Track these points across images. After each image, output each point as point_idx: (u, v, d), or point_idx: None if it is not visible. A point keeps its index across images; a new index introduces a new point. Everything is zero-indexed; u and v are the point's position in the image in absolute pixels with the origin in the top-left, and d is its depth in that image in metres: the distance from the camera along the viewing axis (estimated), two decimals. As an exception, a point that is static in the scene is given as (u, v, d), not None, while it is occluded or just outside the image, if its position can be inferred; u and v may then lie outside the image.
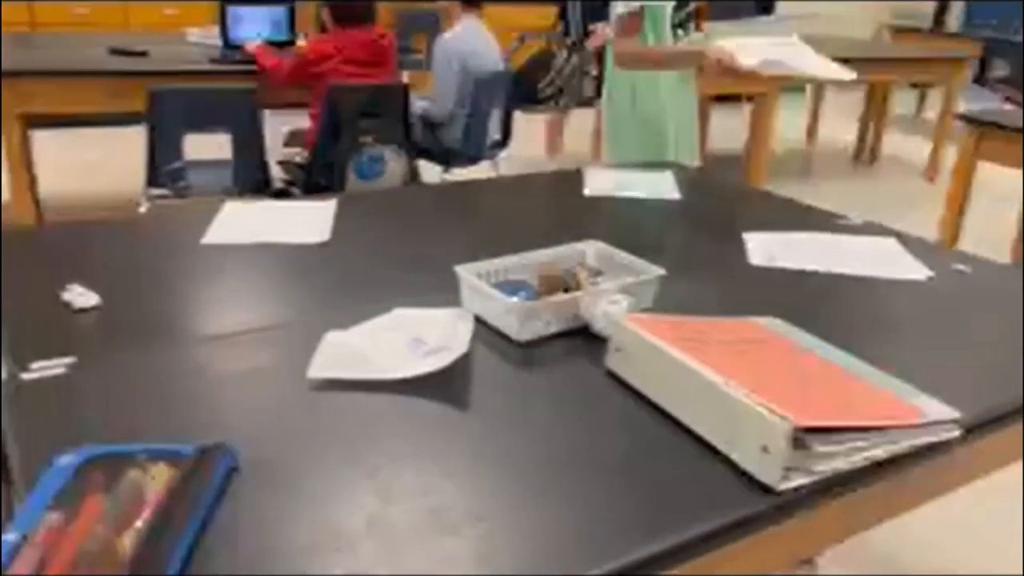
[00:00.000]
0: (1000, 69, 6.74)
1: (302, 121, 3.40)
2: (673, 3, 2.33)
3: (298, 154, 3.25)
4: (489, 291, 1.22)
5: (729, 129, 5.94)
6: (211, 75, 3.39)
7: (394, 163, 3.10)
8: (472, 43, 3.64)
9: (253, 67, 3.36)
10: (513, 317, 1.18)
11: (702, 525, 0.86)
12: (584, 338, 1.21)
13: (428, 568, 0.78)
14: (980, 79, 6.79)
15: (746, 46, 2.08)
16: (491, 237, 1.49)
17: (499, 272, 1.31)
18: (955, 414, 1.00)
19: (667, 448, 0.98)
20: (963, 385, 1.13)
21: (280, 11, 3.73)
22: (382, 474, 0.91)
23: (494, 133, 3.79)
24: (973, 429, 1.03)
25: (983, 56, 6.75)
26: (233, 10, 3.62)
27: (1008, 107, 5.97)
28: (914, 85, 7.96)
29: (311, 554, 0.79)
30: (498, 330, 1.21)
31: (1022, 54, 6.45)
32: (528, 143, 5.39)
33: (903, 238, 1.69)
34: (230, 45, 3.61)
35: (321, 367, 1.06)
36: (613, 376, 1.11)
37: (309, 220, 1.63)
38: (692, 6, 2.37)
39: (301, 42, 3.66)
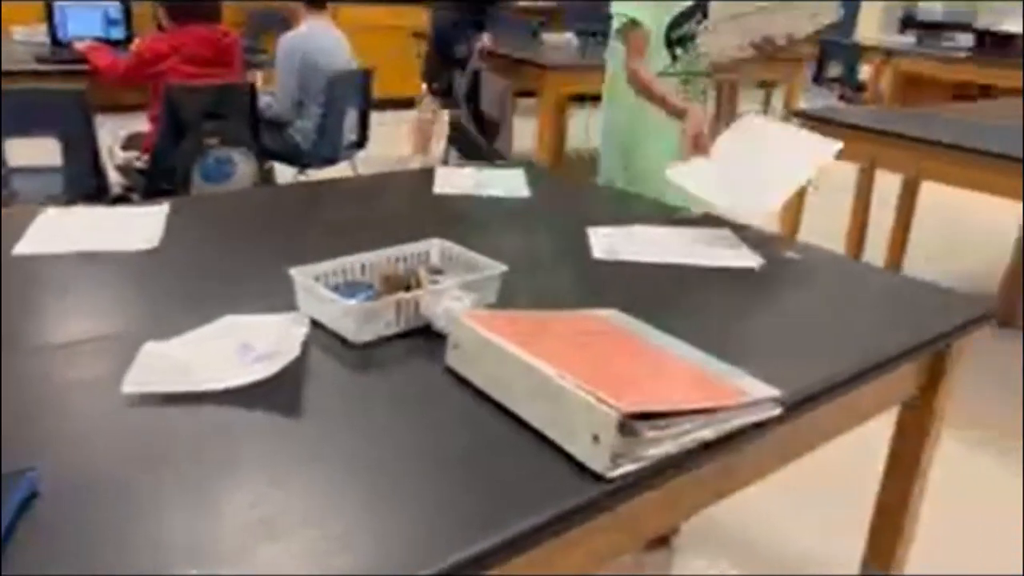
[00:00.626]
0: (835, 69, 7.22)
1: (142, 124, 3.22)
2: (672, 16, 2.17)
3: (137, 158, 3.07)
4: (324, 293, 1.19)
5: (589, 128, 6.06)
6: (38, 75, 3.17)
7: (243, 165, 2.99)
8: (317, 41, 3.56)
9: (85, 67, 3.16)
10: (350, 319, 1.15)
11: (538, 516, 0.86)
12: (426, 337, 1.19)
13: (256, 583, 0.75)
14: (818, 78, 7.24)
15: (721, 148, 1.90)
16: (336, 238, 1.45)
17: (338, 273, 1.28)
18: (776, 392, 1.05)
19: (505, 442, 0.98)
20: (786, 366, 1.18)
21: (114, 7, 3.52)
22: (207, 489, 0.86)
23: (350, 134, 3.72)
24: (794, 407, 1.08)
25: (820, 57, 7.20)
26: (61, 6, 3.39)
27: (841, 104, 6.40)
28: (761, 84, 8.39)
29: (122, 580, 0.74)
30: (337, 333, 1.18)
31: (853, 55, 6.93)
32: (391, 144, 5.34)
33: (739, 229, 1.77)
34: (59, 43, 3.38)
35: (138, 381, 0.99)
36: (453, 374, 1.10)
37: (137, 226, 1.54)
38: (699, 25, 2.17)
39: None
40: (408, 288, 1.23)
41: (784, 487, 1.86)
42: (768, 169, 1.76)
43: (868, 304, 1.46)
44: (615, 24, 2.16)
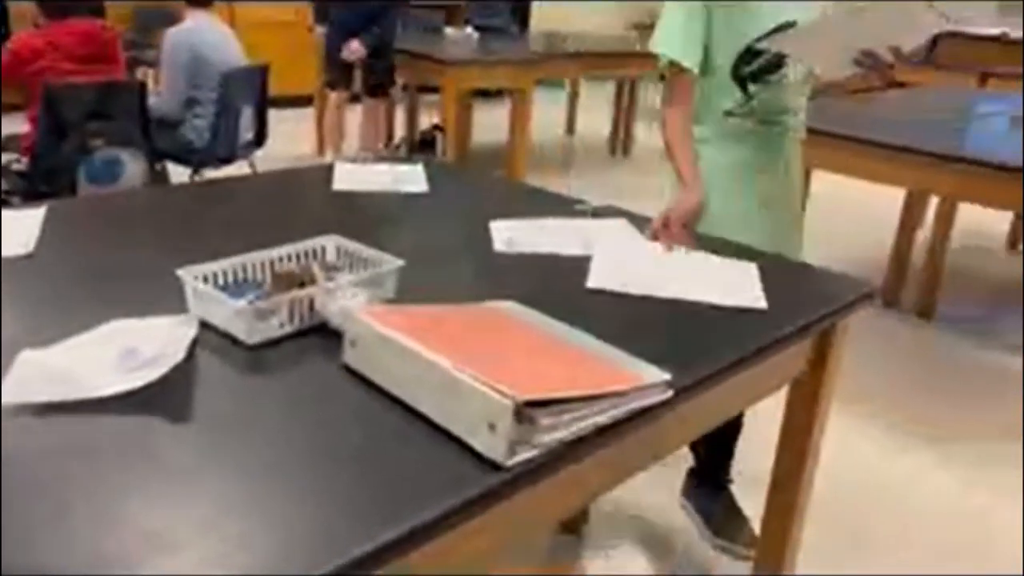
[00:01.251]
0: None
1: (21, 125, 3.06)
2: (742, 48, 1.78)
3: (17, 160, 2.92)
4: (214, 294, 1.15)
5: (491, 123, 6.10)
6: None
7: (132, 165, 2.87)
8: (204, 36, 3.46)
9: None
10: (241, 320, 1.13)
11: (437, 507, 0.86)
12: (322, 336, 1.18)
13: (137, 595, 0.72)
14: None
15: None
16: (230, 237, 1.41)
17: (228, 273, 1.24)
18: (667, 376, 1.08)
19: (403, 437, 0.97)
20: (679, 350, 1.22)
21: (-13, 3, 3.33)
22: (92, 503, 0.82)
23: (247, 132, 3.62)
24: (685, 390, 1.11)
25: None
26: (-72, 1, 3.18)
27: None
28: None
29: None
30: (229, 335, 1.15)
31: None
32: (291, 142, 5.23)
33: (636, 219, 1.80)
34: (-73, 40, 3.17)
35: (14, 391, 0.94)
36: (350, 372, 1.09)
37: (10, 230, 1.46)
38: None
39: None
40: (302, 286, 1.21)
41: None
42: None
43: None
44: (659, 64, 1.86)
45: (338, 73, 4.75)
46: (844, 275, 1.58)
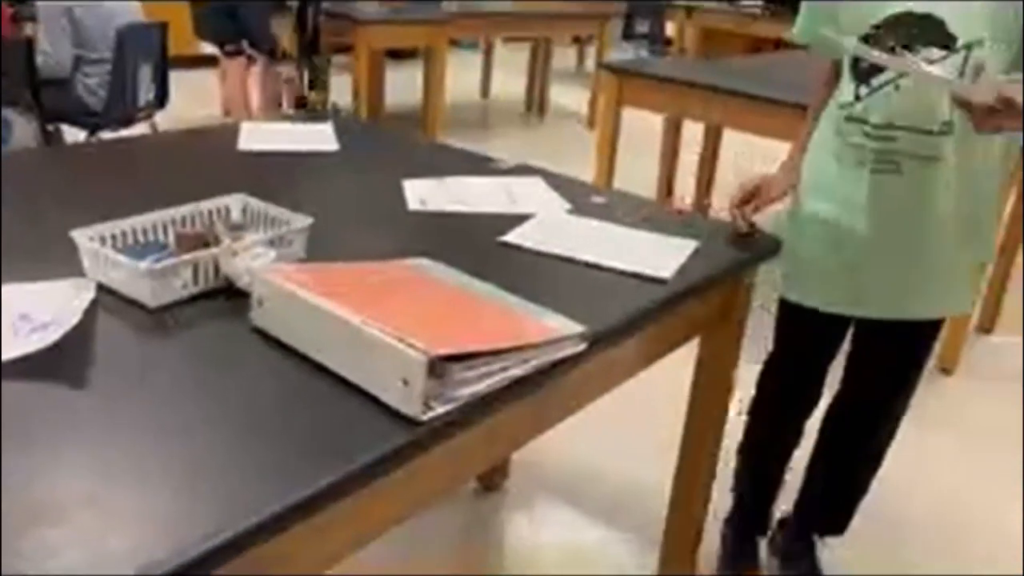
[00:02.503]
0: (642, 25, 7.52)
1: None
2: (866, 29, 1.48)
3: None
4: (112, 256, 1.11)
5: (405, 84, 6.00)
6: None
7: (21, 127, 2.72)
8: None
9: None
10: (143, 282, 1.08)
11: (351, 464, 0.85)
12: (229, 297, 1.14)
13: (31, 567, 0.69)
14: (627, 34, 7.52)
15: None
16: (129, 198, 1.34)
17: (128, 234, 1.19)
18: (581, 328, 1.09)
19: (316, 396, 0.96)
20: (592, 302, 1.23)
21: None
22: (-24, 472, 0.78)
23: (147, 92, 3.46)
24: (599, 341, 1.12)
25: (628, 14, 7.47)
26: None
27: (649, 57, 6.67)
28: (575, 40, 8.60)
29: None
30: (130, 298, 1.11)
31: (658, 12, 7.24)
32: (196, 103, 5.04)
33: (552, 177, 1.81)
34: None
35: None
36: (259, 332, 1.06)
37: None
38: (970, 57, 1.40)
39: None
40: (207, 246, 1.17)
41: (604, 420, 1.96)
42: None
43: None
44: None
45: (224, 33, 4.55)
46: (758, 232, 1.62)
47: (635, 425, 2.23)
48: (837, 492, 1.90)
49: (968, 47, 1.41)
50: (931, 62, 1.41)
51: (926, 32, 1.43)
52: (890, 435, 1.82)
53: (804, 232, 1.67)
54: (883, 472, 1.85)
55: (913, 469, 2.18)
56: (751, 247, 1.53)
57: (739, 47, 6.79)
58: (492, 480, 2.10)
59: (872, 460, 1.85)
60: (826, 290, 1.67)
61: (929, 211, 1.55)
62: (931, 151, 1.49)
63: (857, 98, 1.53)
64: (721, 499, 1.84)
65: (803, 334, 1.80)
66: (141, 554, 0.70)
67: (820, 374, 1.83)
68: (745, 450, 1.93)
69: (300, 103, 4.56)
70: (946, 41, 1.43)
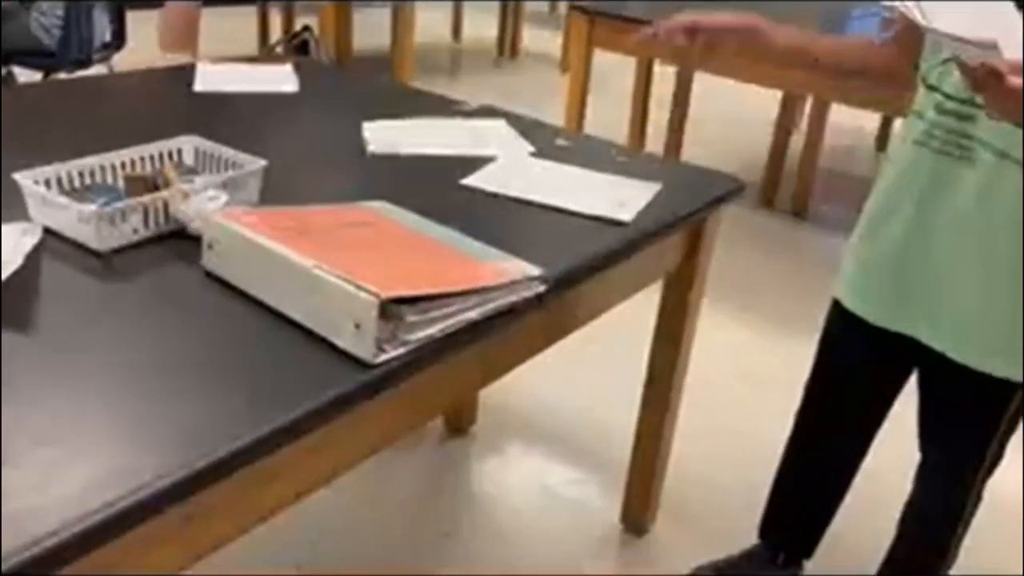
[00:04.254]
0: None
1: None
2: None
3: None
4: (56, 199, 1.08)
5: (375, 28, 5.86)
6: None
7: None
8: None
9: None
10: (90, 226, 1.06)
11: (301, 407, 0.85)
12: (180, 241, 1.12)
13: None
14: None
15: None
16: (77, 140, 1.30)
17: (75, 177, 1.16)
18: (539, 271, 1.08)
19: (266, 339, 0.95)
20: (552, 246, 1.22)
21: None
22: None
23: (104, 33, 3.35)
24: (558, 284, 1.12)
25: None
26: None
27: None
28: None
29: None
30: (78, 242, 1.08)
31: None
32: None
33: (517, 120, 1.78)
34: None
35: None
36: (212, 277, 1.05)
37: None
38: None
39: None
40: (157, 189, 1.14)
41: (573, 361, 1.97)
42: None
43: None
44: None
45: None
46: (714, 172, 1.62)
47: (606, 365, 2.24)
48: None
49: None
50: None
51: None
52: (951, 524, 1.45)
53: (866, 212, 1.42)
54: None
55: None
56: (714, 188, 1.53)
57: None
58: (459, 423, 2.11)
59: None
60: (859, 286, 1.41)
61: (1000, 226, 1.22)
62: (1015, 148, 1.16)
63: (939, 110, 1.23)
64: (688, 436, 1.86)
65: (838, 344, 1.51)
66: (90, 496, 0.70)
67: (859, 406, 1.53)
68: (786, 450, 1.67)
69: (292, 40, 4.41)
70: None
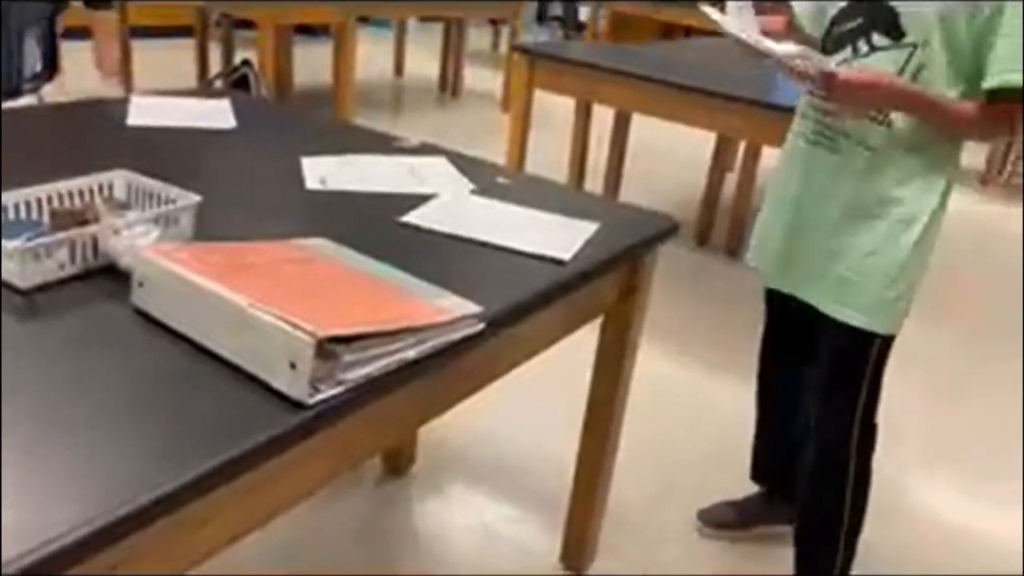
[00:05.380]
0: (556, 9, 7.53)
1: None
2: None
3: None
4: (-23, 233, 1.04)
5: (316, 62, 5.86)
6: None
7: None
8: None
9: None
10: (12, 261, 1.02)
11: (233, 450, 0.83)
12: (110, 278, 1.09)
13: None
14: (541, 17, 7.52)
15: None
16: (5, 174, 1.27)
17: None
18: (477, 309, 1.08)
19: (199, 379, 0.92)
20: (491, 284, 1.23)
21: None
22: None
23: (35, 64, 3.27)
24: (496, 323, 1.12)
25: (542, -3, 7.47)
26: None
27: (563, 40, 6.70)
28: (491, 21, 8.56)
29: None
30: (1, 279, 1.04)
31: (572, -4, 7.27)
32: (91, 76, 4.79)
33: (458, 157, 1.79)
34: None
35: None
36: (141, 314, 1.02)
37: None
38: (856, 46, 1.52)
39: None
40: (86, 224, 1.11)
41: (515, 399, 1.97)
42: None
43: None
44: None
45: None
46: (649, 212, 1.65)
47: (546, 402, 2.24)
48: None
49: (913, 46, 1.44)
50: (875, 48, 1.48)
51: (880, 18, 1.47)
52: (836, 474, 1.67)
53: (765, 197, 1.77)
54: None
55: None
56: (650, 228, 1.55)
57: (651, 33, 6.89)
58: (399, 463, 2.08)
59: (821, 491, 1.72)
60: (762, 256, 1.73)
61: (856, 202, 1.54)
62: (866, 137, 1.50)
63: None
64: (627, 475, 1.86)
65: (769, 307, 1.86)
66: (7, 547, 0.67)
67: (789, 353, 1.83)
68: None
69: (231, 74, 4.34)
70: (895, 33, 1.46)
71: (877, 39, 1.48)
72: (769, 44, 1.46)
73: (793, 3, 1.70)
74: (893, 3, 1.46)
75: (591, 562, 1.85)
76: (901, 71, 1.45)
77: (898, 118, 1.48)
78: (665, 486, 2.17)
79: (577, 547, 1.83)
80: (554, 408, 2.13)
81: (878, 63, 1.47)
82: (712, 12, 1.57)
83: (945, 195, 1.53)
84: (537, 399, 2.23)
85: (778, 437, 1.93)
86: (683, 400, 2.58)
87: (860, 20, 1.51)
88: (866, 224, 1.54)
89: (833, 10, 1.56)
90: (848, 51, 1.52)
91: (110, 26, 4.43)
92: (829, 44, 1.56)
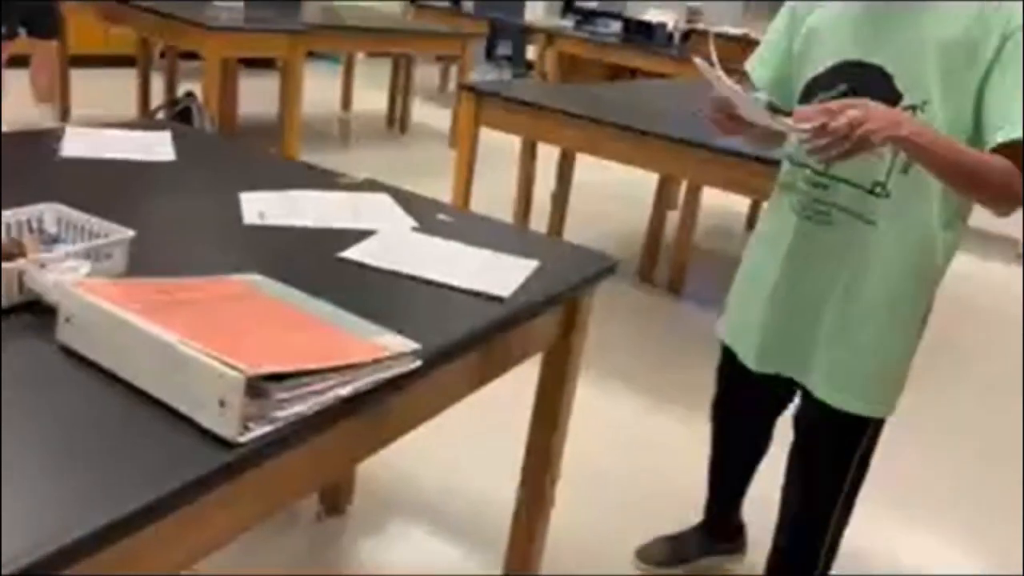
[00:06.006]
0: (504, 48, 7.64)
1: None
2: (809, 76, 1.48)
3: None
4: None
5: (262, 95, 5.83)
6: None
7: None
8: None
9: None
10: (-68, 296, 0.99)
11: (157, 490, 0.81)
12: (35, 313, 1.06)
13: None
14: (489, 55, 7.62)
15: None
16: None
17: (-82, 245, 1.09)
18: (415, 346, 1.08)
19: (127, 418, 0.91)
20: (429, 321, 1.23)
21: None
22: None
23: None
24: (434, 360, 1.12)
25: (491, 35, 7.57)
26: None
27: (510, 80, 6.79)
28: (439, 59, 8.63)
29: None
30: (-83, 314, 1.01)
31: (520, 35, 7.38)
32: (27, 105, 4.71)
33: (400, 194, 1.79)
34: None
35: None
36: (66, 351, 1.00)
37: None
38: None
39: None
40: (11, 259, 1.08)
41: (453, 436, 1.96)
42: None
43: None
44: None
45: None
46: (592, 250, 1.67)
47: (486, 440, 2.23)
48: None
49: (912, 108, 1.33)
50: None
51: (871, 83, 1.34)
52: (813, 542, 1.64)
53: (740, 271, 1.69)
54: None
55: None
56: (589, 266, 1.57)
57: (598, 74, 7.03)
58: (336, 502, 2.05)
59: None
60: (742, 337, 1.65)
61: (853, 277, 1.45)
62: (864, 210, 1.41)
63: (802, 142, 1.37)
64: (566, 511, 1.86)
65: (729, 378, 1.78)
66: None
67: (747, 427, 1.84)
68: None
69: (174, 106, 4.29)
70: (891, 96, 1.33)
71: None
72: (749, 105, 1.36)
73: (751, 72, 1.61)
74: (880, 63, 1.34)
75: (531, 601, 1.84)
76: None
77: (897, 187, 1.37)
78: (604, 523, 2.17)
79: (516, 585, 1.81)
80: (492, 445, 2.13)
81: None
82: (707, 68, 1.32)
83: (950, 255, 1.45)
84: (475, 436, 2.23)
85: (735, 467, 1.94)
86: (623, 437, 2.60)
87: (843, 87, 1.37)
88: (869, 308, 1.45)
89: (806, 78, 1.45)
90: None
91: (48, 51, 4.38)
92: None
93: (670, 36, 6.40)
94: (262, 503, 0.99)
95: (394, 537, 2.05)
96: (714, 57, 1.28)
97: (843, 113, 1.21)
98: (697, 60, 1.31)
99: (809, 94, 1.45)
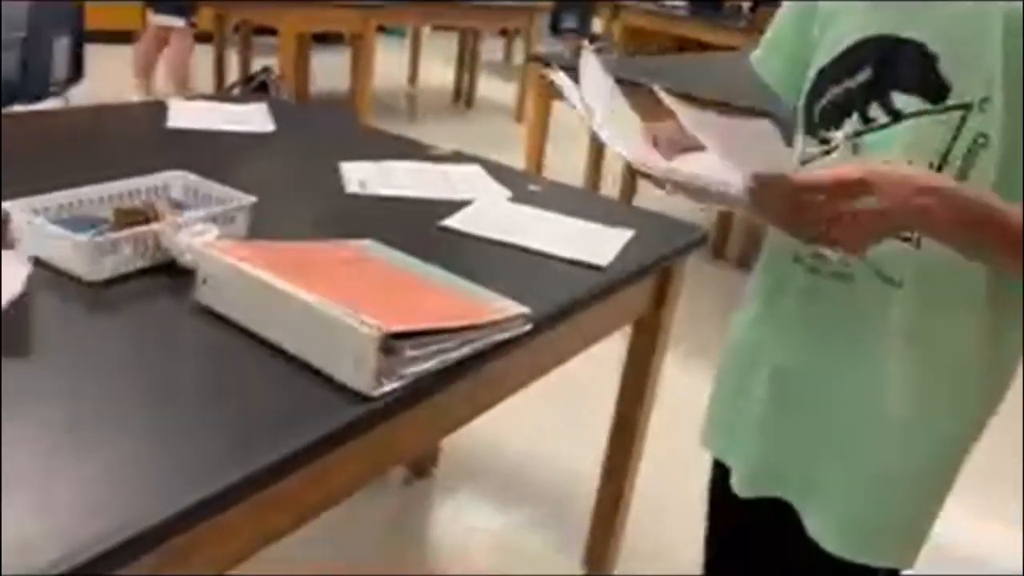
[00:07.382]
0: (570, 21, 7.60)
1: None
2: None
3: None
4: (49, 228, 1.08)
5: (333, 70, 5.92)
6: None
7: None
8: None
9: None
10: (82, 256, 1.06)
11: (302, 439, 0.86)
12: (172, 274, 1.13)
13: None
14: (555, 28, 7.59)
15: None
16: (57, 173, 1.30)
17: (64, 207, 1.16)
18: (526, 310, 1.12)
19: (262, 372, 0.96)
20: (532, 287, 1.26)
21: None
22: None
23: (62, 67, 3.33)
24: (541, 324, 1.16)
25: (556, 9, 7.53)
26: None
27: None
28: (503, 32, 8.63)
29: None
30: (67, 272, 1.08)
31: (586, 8, 7.33)
32: (114, 80, 4.86)
33: (488, 165, 1.83)
34: None
35: None
36: (204, 310, 1.06)
37: None
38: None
39: None
40: (147, 222, 1.15)
41: (534, 404, 2.00)
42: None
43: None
44: None
45: None
46: (679, 221, 1.68)
47: (567, 409, 2.27)
48: None
49: (966, 107, 0.85)
50: (899, 117, 0.90)
51: (903, 68, 0.89)
52: None
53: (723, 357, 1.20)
54: None
55: None
56: (680, 237, 1.59)
57: (665, 46, 6.94)
58: (422, 466, 2.11)
59: None
60: (729, 449, 1.16)
61: (877, 384, 0.96)
62: (888, 266, 0.92)
63: (804, 162, 0.98)
64: (650, 483, 1.89)
65: (719, 508, 1.27)
66: (79, 530, 0.69)
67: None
68: None
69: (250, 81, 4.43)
70: (932, 88, 0.87)
71: (902, 101, 0.89)
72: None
73: (756, 63, 1.15)
74: (920, 38, 0.88)
75: (614, 570, 1.88)
76: (948, 151, 0.86)
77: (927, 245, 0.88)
78: (686, 496, 2.19)
79: (599, 555, 1.85)
80: (574, 418, 2.17)
81: (909, 139, 0.89)
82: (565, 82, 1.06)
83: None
84: (564, 403, 2.26)
85: None
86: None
87: (869, 73, 0.92)
88: (895, 419, 0.96)
89: (817, 68, 0.98)
90: (854, 121, 0.93)
91: (186, 36, 4.57)
92: (819, 114, 0.98)
93: (738, 8, 6.28)
94: (389, 455, 1.04)
95: (477, 503, 2.10)
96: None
97: (824, 188, 0.78)
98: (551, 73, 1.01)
99: (817, 92, 0.99)
